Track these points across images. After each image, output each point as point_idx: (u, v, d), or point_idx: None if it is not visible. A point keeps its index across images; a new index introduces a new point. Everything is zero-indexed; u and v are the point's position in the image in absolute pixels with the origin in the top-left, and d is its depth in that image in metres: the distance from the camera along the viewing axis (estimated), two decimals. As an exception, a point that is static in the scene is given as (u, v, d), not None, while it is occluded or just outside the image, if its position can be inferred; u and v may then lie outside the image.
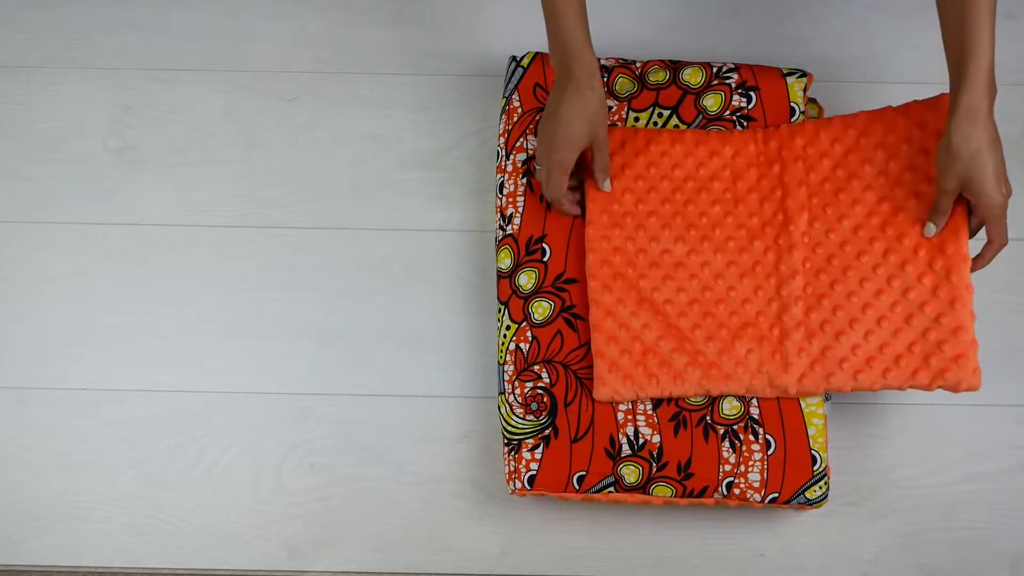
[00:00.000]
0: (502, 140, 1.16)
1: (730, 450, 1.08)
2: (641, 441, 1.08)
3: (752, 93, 1.15)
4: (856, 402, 1.17)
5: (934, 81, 1.24)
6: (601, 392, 1.08)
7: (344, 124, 1.24)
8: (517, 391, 1.10)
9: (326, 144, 1.24)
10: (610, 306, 1.09)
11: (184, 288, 1.21)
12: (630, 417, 1.09)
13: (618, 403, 1.09)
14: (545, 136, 1.05)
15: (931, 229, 1.04)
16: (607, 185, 1.10)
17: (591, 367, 1.10)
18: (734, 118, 1.15)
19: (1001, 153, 0.98)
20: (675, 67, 1.18)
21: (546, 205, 1.13)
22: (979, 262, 1.05)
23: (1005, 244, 1.03)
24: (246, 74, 1.26)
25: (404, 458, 1.17)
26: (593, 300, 1.09)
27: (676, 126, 1.15)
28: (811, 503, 1.08)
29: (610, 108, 1.16)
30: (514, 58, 1.18)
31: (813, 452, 1.08)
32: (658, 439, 1.08)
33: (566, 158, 1.05)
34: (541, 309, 1.11)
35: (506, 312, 1.12)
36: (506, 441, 1.10)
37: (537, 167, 1.08)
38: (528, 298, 1.12)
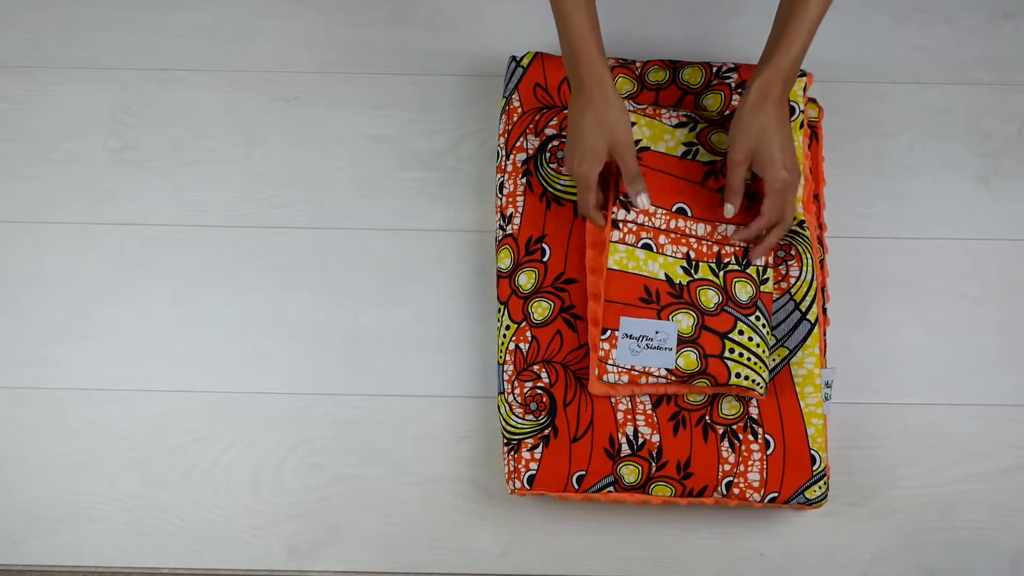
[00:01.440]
0: (502, 140, 1.16)
1: (729, 450, 1.08)
2: (640, 441, 1.08)
3: (752, 93, 1.15)
4: (856, 402, 1.17)
5: (934, 81, 1.24)
6: (597, 387, 1.07)
7: (344, 124, 1.24)
8: (517, 391, 1.10)
9: (326, 144, 1.24)
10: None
11: (184, 288, 1.21)
12: (629, 417, 1.09)
13: (614, 397, 1.08)
14: (568, 150, 1.04)
15: (729, 210, 1.05)
16: (642, 200, 1.06)
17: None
18: (734, 118, 1.15)
19: (790, 137, 1.02)
20: (675, 67, 1.18)
21: (546, 204, 1.13)
22: (756, 249, 1.07)
23: (780, 224, 1.05)
24: (246, 74, 1.26)
25: (404, 458, 1.17)
26: (592, 295, 1.09)
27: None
28: (811, 503, 1.08)
29: None
30: (514, 58, 1.18)
31: (813, 452, 1.08)
32: (657, 439, 1.08)
33: (587, 172, 1.03)
34: (541, 309, 1.11)
35: (506, 312, 1.12)
36: (506, 441, 1.10)
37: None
38: (528, 298, 1.12)
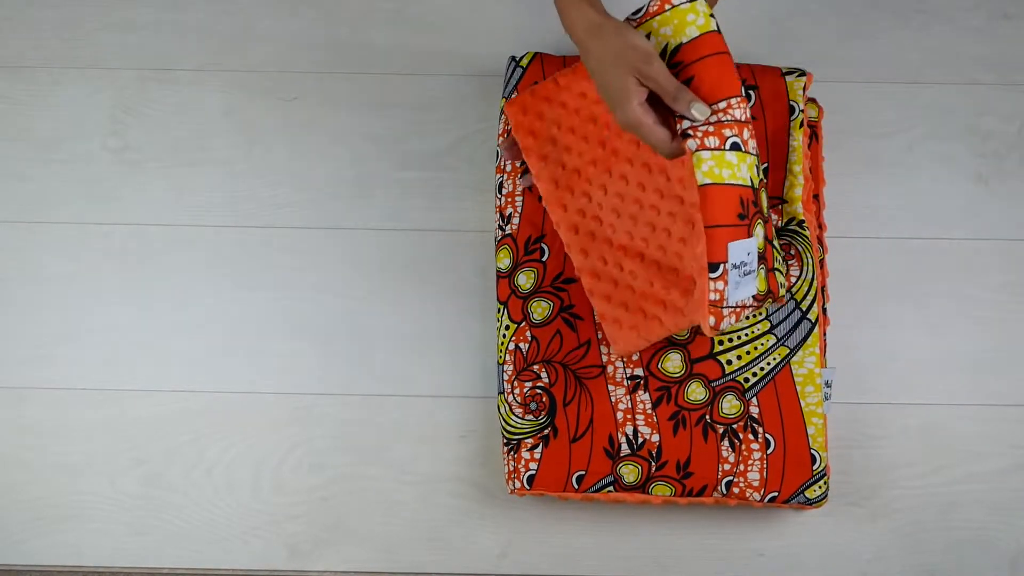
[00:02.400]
0: (502, 140, 1.16)
1: (729, 449, 1.08)
2: (640, 440, 1.08)
3: (752, 92, 1.15)
4: (856, 402, 1.16)
5: (934, 81, 1.24)
6: (619, 349, 1.04)
7: (344, 124, 1.24)
8: (516, 391, 1.10)
9: (326, 144, 1.24)
10: (594, 268, 1.06)
11: (184, 288, 1.21)
12: (629, 416, 1.09)
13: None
14: (612, 112, 0.90)
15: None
16: (697, 112, 0.85)
17: (590, 366, 1.10)
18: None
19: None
20: (675, 67, 1.17)
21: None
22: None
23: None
24: (246, 74, 1.26)
25: (404, 458, 1.17)
26: (579, 270, 1.07)
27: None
28: (811, 503, 1.08)
29: None
30: (514, 58, 1.18)
31: (813, 451, 1.08)
32: (657, 438, 1.08)
33: (631, 118, 0.87)
34: (540, 309, 1.11)
35: (505, 312, 1.12)
36: (505, 441, 1.10)
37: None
38: (527, 298, 1.12)
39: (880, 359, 1.17)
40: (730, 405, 1.09)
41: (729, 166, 0.85)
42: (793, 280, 1.10)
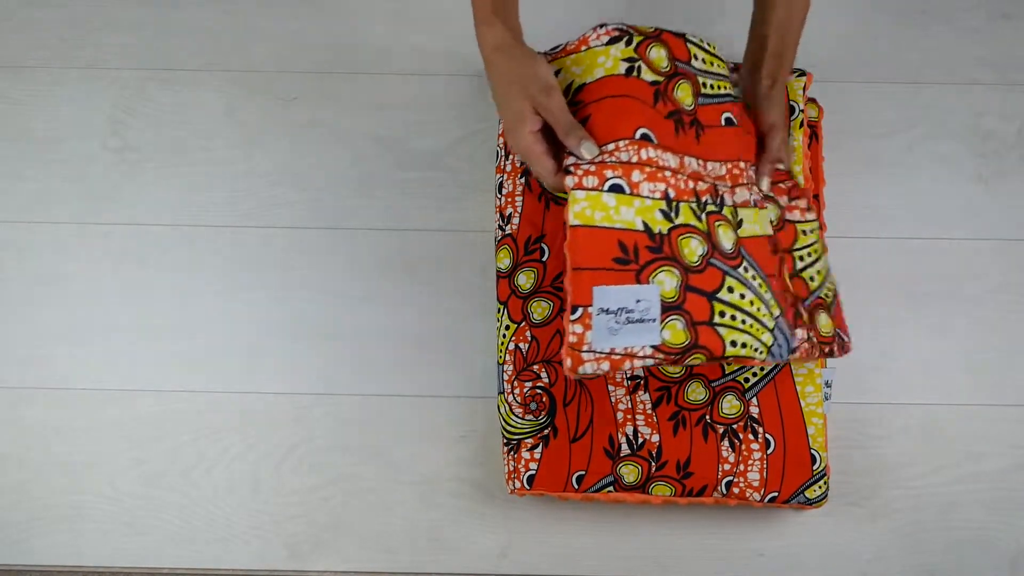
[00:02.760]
0: (502, 140, 1.16)
1: (729, 449, 1.08)
2: (640, 440, 1.08)
3: (752, 93, 1.15)
4: (856, 402, 1.17)
5: (934, 81, 1.24)
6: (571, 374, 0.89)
7: (344, 124, 1.24)
8: (516, 391, 1.10)
9: (326, 144, 1.24)
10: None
11: (184, 288, 1.21)
12: (629, 417, 1.09)
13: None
14: (505, 134, 0.93)
15: (766, 183, 0.98)
16: (588, 149, 0.84)
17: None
18: (734, 118, 1.14)
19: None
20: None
21: (545, 204, 1.13)
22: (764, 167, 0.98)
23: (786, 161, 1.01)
24: (246, 74, 1.26)
25: (404, 458, 1.17)
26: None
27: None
28: (811, 503, 1.08)
29: None
30: (514, 58, 1.18)
31: (813, 451, 1.08)
32: (657, 438, 1.08)
33: (522, 142, 0.87)
34: (540, 309, 1.11)
35: (505, 312, 1.12)
36: (505, 441, 1.10)
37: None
38: (527, 298, 1.12)
39: (880, 359, 1.17)
40: (730, 405, 1.09)
41: (604, 208, 0.81)
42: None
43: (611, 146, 0.84)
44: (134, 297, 1.21)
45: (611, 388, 1.09)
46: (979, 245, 1.20)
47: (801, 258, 0.99)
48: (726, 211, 0.86)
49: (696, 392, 1.09)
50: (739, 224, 0.88)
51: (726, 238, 0.86)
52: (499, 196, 1.15)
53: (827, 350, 0.99)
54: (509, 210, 1.14)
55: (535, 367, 1.10)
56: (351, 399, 1.18)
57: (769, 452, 1.08)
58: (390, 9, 1.27)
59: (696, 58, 0.92)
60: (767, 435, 1.08)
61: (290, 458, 1.17)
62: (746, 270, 0.86)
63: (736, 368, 1.09)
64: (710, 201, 0.86)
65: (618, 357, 0.83)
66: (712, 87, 0.91)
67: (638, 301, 0.81)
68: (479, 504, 1.16)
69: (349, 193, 1.23)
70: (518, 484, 1.09)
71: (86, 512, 1.16)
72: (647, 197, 0.83)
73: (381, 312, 1.20)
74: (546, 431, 1.09)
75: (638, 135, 0.83)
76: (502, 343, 1.12)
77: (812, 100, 1.19)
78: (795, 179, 1.00)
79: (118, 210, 1.23)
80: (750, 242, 0.88)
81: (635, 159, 0.83)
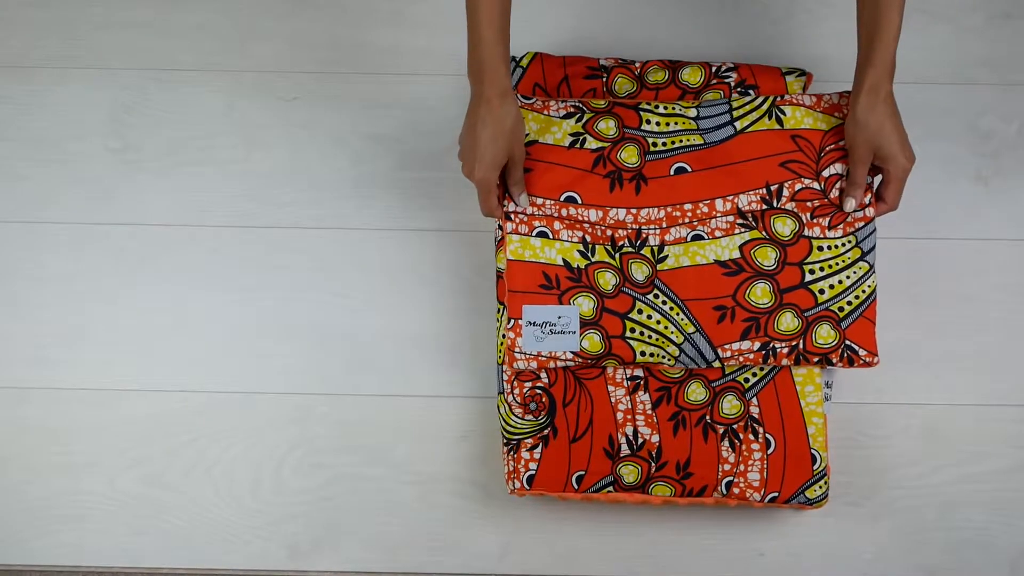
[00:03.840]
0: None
1: (729, 449, 1.08)
2: (640, 441, 1.08)
3: (751, 91, 1.15)
4: (856, 402, 1.17)
5: (934, 81, 1.24)
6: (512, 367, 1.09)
7: (344, 124, 1.24)
8: (516, 391, 1.10)
9: (326, 144, 1.24)
10: None
11: (184, 288, 1.21)
12: (629, 417, 1.09)
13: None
14: (464, 154, 1.05)
15: (851, 203, 1.08)
16: (523, 200, 1.08)
17: (589, 367, 1.10)
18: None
19: (902, 124, 1.05)
20: (674, 67, 1.18)
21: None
22: (867, 217, 1.09)
23: (896, 209, 1.09)
24: (246, 74, 1.26)
25: (404, 458, 1.17)
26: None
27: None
28: (811, 503, 1.08)
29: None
30: (514, 58, 1.18)
31: (813, 451, 1.08)
32: (657, 439, 1.08)
33: (487, 179, 1.04)
34: (540, 309, 1.12)
35: (505, 312, 1.12)
36: (505, 441, 1.10)
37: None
38: (527, 298, 1.12)
39: (880, 359, 1.17)
40: (730, 405, 1.09)
41: (532, 248, 1.08)
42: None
43: (539, 200, 1.09)
44: (134, 297, 1.21)
45: (611, 388, 1.09)
46: (979, 245, 1.19)
47: (811, 271, 1.07)
48: (645, 251, 1.08)
49: (696, 392, 1.09)
50: (662, 260, 1.08)
51: (639, 272, 1.08)
52: (499, 196, 1.16)
53: (814, 360, 1.07)
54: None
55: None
56: (351, 399, 1.18)
57: (769, 452, 1.08)
58: (390, 9, 1.27)
59: (648, 122, 1.10)
60: (767, 435, 1.08)
61: (290, 458, 1.17)
62: (656, 296, 1.08)
63: (736, 368, 1.09)
64: (627, 244, 1.08)
65: (544, 358, 1.07)
66: (664, 144, 1.09)
67: (560, 317, 1.07)
68: (479, 504, 1.16)
69: (349, 193, 1.23)
70: (518, 484, 1.09)
71: (86, 512, 1.16)
72: (566, 241, 1.08)
73: (381, 312, 1.20)
74: (546, 431, 1.09)
75: (562, 198, 1.09)
76: (502, 343, 1.12)
77: (812, 100, 1.19)
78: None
79: (118, 210, 1.23)
80: (678, 272, 1.08)
81: (556, 214, 1.09)
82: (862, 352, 1.06)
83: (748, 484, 1.08)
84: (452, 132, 1.24)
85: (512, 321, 1.07)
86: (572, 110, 1.11)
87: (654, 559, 1.14)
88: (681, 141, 1.09)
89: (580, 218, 1.08)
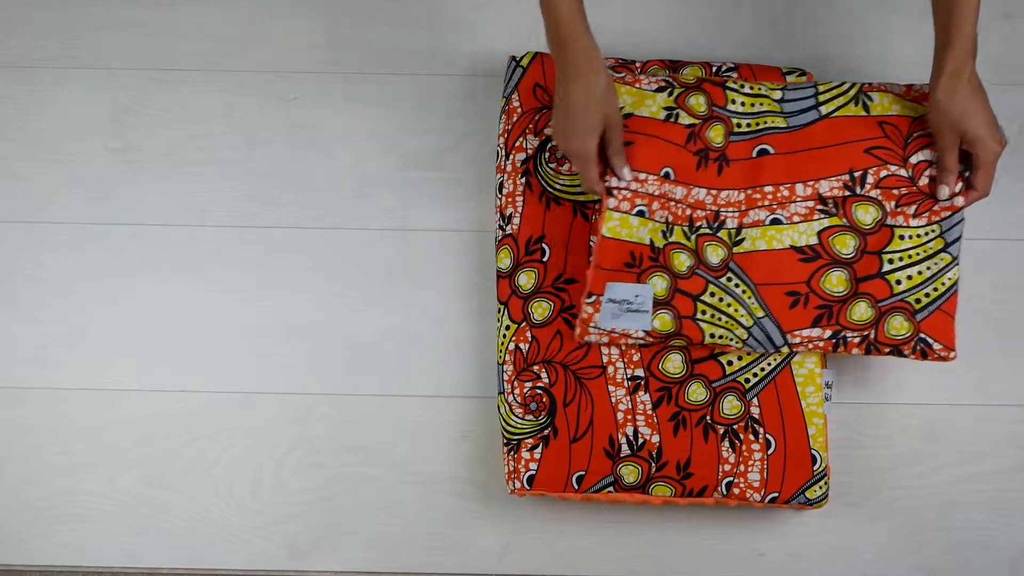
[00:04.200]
0: (502, 140, 1.16)
1: (730, 450, 1.08)
2: (640, 441, 1.08)
3: (752, 93, 1.15)
4: (856, 402, 1.17)
5: (934, 81, 1.24)
6: (578, 338, 1.09)
7: (344, 124, 1.24)
8: (516, 391, 1.10)
9: (326, 144, 1.24)
10: None
11: (184, 288, 1.21)
12: (629, 417, 1.09)
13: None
14: (559, 130, 1.04)
15: (944, 191, 1.06)
16: (626, 172, 1.05)
17: (590, 367, 1.10)
18: (734, 118, 1.15)
19: (988, 104, 1.02)
20: (674, 66, 1.18)
21: (545, 204, 1.13)
22: (955, 207, 1.07)
23: (987, 195, 1.06)
24: (246, 74, 1.26)
25: (404, 458, 1.17)
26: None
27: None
28: (811, 503, 1.08)
29: None
30: (514, 58, 1.18)
31: (813, 452, 1.08)
32: (657, 439, 1.08)
33: (586, 147, 1.02)
34: (540, 309, 1.11)
35: (506, 312, 1.12)
36: (505, 441, 1.10)
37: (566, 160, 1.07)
38: (528, 298, 1.12)
39: (880, 359, 1.17)
40: (731, 406, 1.09)
41: (629, 227, 1.06)
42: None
43: (642, 176, 1.06)
44: (134, 297, 1.21)
45: (611, 388, 1.09)
46: (979, 245, 1.19)
47: (891, 261, 1.06)
48: (722, 233, 1.07)
49: (697, 393, 1.09)
50: (738, 242, 1.07)
51: (714, 255, 1.07)
52: (499, 196, 1.15)
53: (885, 351, 1.07)
54: (509, 210, 1.14)
55: (535, 367, 1.10)
56: (351, 399, 1.18)
57: (770, 452, 1.08)
58: (390, 9, 1.27)
59: (733, 102, 1.09)
60: (768, 435, 1.08)
61: (290, 458, 1.17)
62: (729, 280, 1.06)
63: (737, 368, 1.09)
64: (704, 226, 1.07)
65: (616, 335, 1.07)
66: (748, 125, 1.08)
67: (636, 296, 1.07)
68: (479, 504, 1.16)
69: (349, 193, 1.23)
70: (518, 484, 1.09)
71: (86, 512, 1.16)
72: (657, 221, 1.07)
73: (381, 312, 1.20)
74: (546, 431, 1.09)
75: (662, 173, 1.06)
76: (502, 343, 1.12)
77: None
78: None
79: (118, 210, 1.23)
80: (753, 256, 1.07)
81: (656, 192, 1.06)
82: (936, 346, 1.05)
83: (748, 484, 1.08)
84: (452, 132, 1.24)
85: (593, 296, 1.06)
86: (663, 84, 1.10)
87: (654, 559, 1.14)
88: (765, 123, 1.08)
89: (669, 195, 1.07)
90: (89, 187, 1.23)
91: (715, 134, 1.08)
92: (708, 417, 1.09)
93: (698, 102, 1.09)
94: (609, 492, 1.09)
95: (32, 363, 1.19)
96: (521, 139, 1.15)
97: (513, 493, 1.10)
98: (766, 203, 1.07)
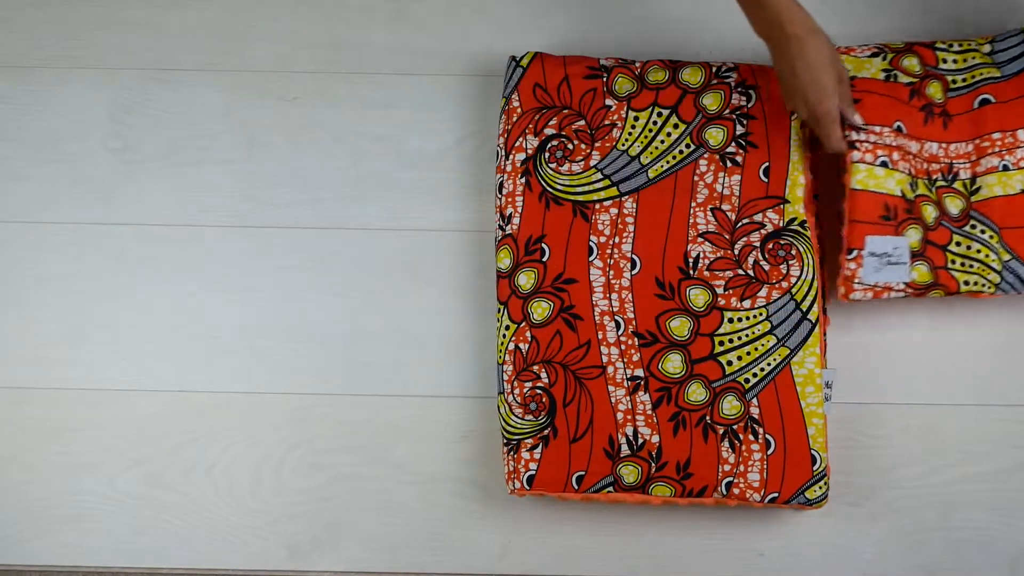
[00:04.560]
0: (502, 140, 1.16)
1: (729, 450, 1.08)
2: (640, 441, 1.08)
3: (752, 91, 1.15)
4: (856, 402, 1.16)
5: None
6: (843, 298, 1.11)
7: (344, 124, 1.24)
8: (516, 391, 1.10)
9: (326, 144, 1.24)
10: None
11: (184, 288, 1.21)
12: (629, 417, 1.09)
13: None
14: (795, 98, 1.06)
15: (858, 119, 1.09)
16: (857, 119, 1.08)
17: (590, 367, 1.10)
18: (734, 116, 1.15)
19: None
20: (674, 67, 1.18)
21: (545, 204, 1.13)
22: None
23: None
24: (246, 74, 1.26)
25: (404, 458, 1.17)
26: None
27: (676, 125, 1.15)
28: (811, 503, 1.08)
29: (609, 108, 1.15)
30: (514, 58, 1.18)
31: (813, 452, 1.08)
32: (657, 439, 1.08)
33: (828, 109, 1.05)
34: (540, 309, 1.11)
35: (505, 312, 1.12)
36: (505, 441, 1.10)
37: (811, 126, 1.09)
38: (527, 298, 1.12)
39: (880, 359, 1.17)
40: (730, 406, 1.09)
41: (876, 178, 1.09)
42: (793, 280, 1.10)
43: (877, 128, 1.10)
44: (134, 297, 1.21)
45: (611, 389, 1.09)
46: (979, 245, 1.19)
47: None
48: (957, 184, 1.12)
49: (696, 393, 1.09)
50: (975, 192, 1.12)
51: (953, 206, 1.11)
52: (499, 196, 1.15)
53: None
54: (509, 210, 1.14)
55: (535, 367, 1.10)
56: (351, 399, 1.18)
57: (769, 453, 1.08)
58: (390, 9, 1.27)
59: (945, 61, 1.14)
60: (767, 436, 1.08)
61: (290, 458, 1.17)
62: (973, 227, 1.11)
63: (737, 369, 1.09)
64: (941, 178, 1.12)
65: (879, 289, 1.10)
66: (964, 79, 1.13)
67: (895, 248, 1.09)
68: (479, 504, 1.16)
69: (349, 193, 1.23)
70: (518, 484, 1.09)
71: (86, 512, 1.16)
72: (901, 172, 1.10)
73: (381, 312, 1.20)
74: (546, 431, 1.09)
75: (895, 126, 1.10)
76: (502, 343, 1.12)
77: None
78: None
79: (118, 210, 1.23)
80: (991, 202, 1.11)
81: (893, 143, 1.10)
82: None
83: (748, 484, 1.08)
84: (452, 132, 1.24)
85: (854, 252, 1.08)
86: (876, 50, 1.14)
87: (654, 559, 1.14)
88: (981, 75, 1.13)
89: (906, 148, 1.11)
90: (89, 187, 1.23)
91: (934, 91, 1.12)
92: (708, 417, 1.09)
93: (912, 63, 1.13)
94: (609, 492, 1.09)
95: (32, 363, 1.19)
96: (521, 139, 1.15)
97: (513, 493, 1.10)
98: (995, 150, 1.11)
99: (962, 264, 1.10)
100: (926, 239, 1.09)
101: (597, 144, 1.15)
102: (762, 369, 1.09)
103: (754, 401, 1.09)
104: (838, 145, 1.08)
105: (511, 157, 1.15)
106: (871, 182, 1.09)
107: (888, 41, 1.17)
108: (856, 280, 1.08)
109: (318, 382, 1.19)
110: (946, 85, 1.12)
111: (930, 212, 1.10)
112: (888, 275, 1.08)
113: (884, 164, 1.09)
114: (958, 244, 1.10)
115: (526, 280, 1.12)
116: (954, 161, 1.11)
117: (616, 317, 1.11)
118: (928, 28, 1.23)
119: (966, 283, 1.09)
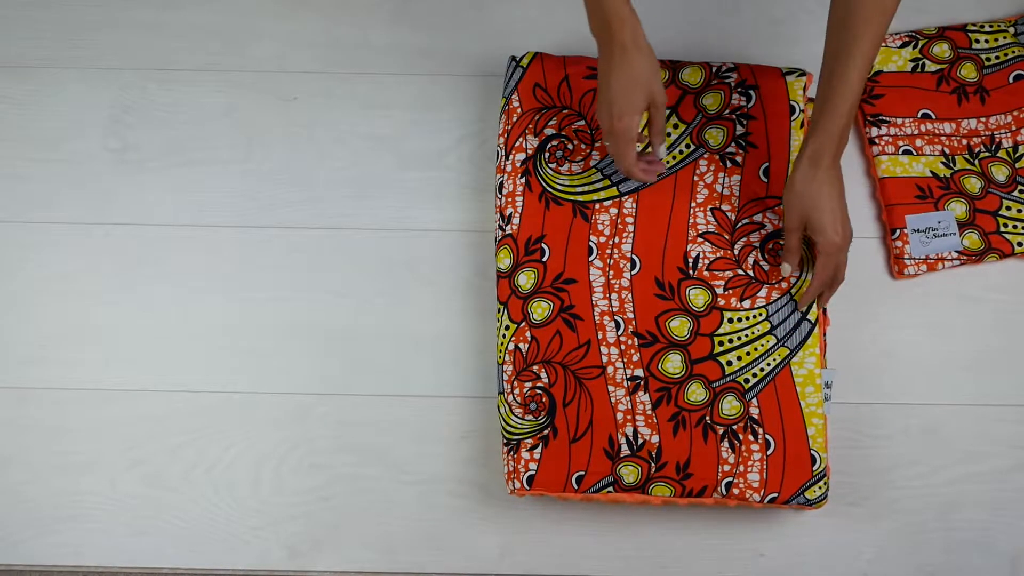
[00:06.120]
0: (502, 140, 1.16)
1: (729, 450, 1.08)
2: (640, 441, 1.08)
3: (752, 92, 1.15)
4: (856, 402, 1.16)
5: (934, 81, 1.24)
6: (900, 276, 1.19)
7: (344, 124, 1.24)
8: (516, 391, 1.10)
9: (326, 144, 1.24)
10: None
11: (184, 288, 1.21)
12: (629, 417, 1.09)
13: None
14: (602, 108, 1.03)
15: (786, 268, 1.09)
16: (662, 151, 1.07)
17: (590, 367, 1.10)
18: (734, 116, 1.15)
19: (841, 200, 1.04)
20: (674, 67, 1.18)
21: (545, 204, 1.14)
22: (804, 298, 1.10)
23: (830, 284, 1.09)
24: (246, 74, 1.26)
25: (404, 458, 1.17)
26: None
27: (676, 126, 1.15)
28: (811, 503, 1.08)
29: None
30: (514, 58, 1.18)
31: (813, 452, 1.08)
32: (657, 439, 1.08)
33: (628, 126, 1.02)
34: (540, 309, 1.11)
35: (505, 312, 1.12)
36: (505, 441, 1.10)
37: (606, 143, 1.05)
38: (527, 298, 1.12)
39: (880, 359, 1.17)
40: (730, 406, 1.09)
41: (901, 164, 1.19)
42: (793, 281, 1.11)
43: (899, 120, 1.20)
44: (134, 297, 1.21)
45: (611, 389, 1.09)
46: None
47: None
48: (1001, 153, 1.20)
49: (696, 393, 1.09)
50: (1019, 159, 1.20)
51: (1000, 173, 1.19)
52: (499, 196, 1.15)
53: None
54: (509, 210, 1.14)
55: (535, 367, 1.10)
56: (351, 399, 1.18)
57: (769, 453, 1.08)
58: (390, 9, 1.27)
59: (977, 42, 1.23)
60: (767, 436, 1.08)
61: (290, 458, 1.17)
62: (1022, 192, 1.19)
63: (736, 369, 1.09)
64: (983, 150, 1.20)
65: (932, 260, 1.17)
66: (997, 57, 1.23)
67: (939, 222, 1.18)
68: (479, 504, 1.16)
69: (349, 193, 1.23)
70: (518, 484, 1.09)
71: (86, 512, 1.16)
72: (929, 155, 1.19)
73: (381, 312, 1.20)
74: (546, 431, 1.09)
75: (919, 115, 1.20)
76: (502, 343, 1.12)
77: (812, 100, 1.19)
78: None
79: (118, 210, 1.23)
80: None
81: (916, 132, 1.20)
82: None
83: (748, 485, 1.08)
84: (452, 132, 1.24)
85: (897, 231, 1.17)
86: (907, 39, 1.23)
87: (654, 559, 1.14)
88: (1013, 52, 1.22)
89: (937, 132, 1.19)
90: (89, 187, 1.23)
91: (967, 71, 1.22)
92: (708, 417, 1.09)
93: (942, 49, 1.23)
94: (609, 492, 1.09)
95: (32, 363, 1.19)
96: (521, 139, 1.15)
97: (513, 493, 1.10)
98: None
99: (1014, 227, 1.17)
100: (974, 208, 1.17)
101: (597, 144, 1.15)
102: (762, 369, 1.09)
103: (754, 401, 1.09)
104: (628, 168, 1.05)
105: (511, 157, 1.15)
106: (897, 169, 1.18)
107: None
108: (906, 256, 1.16)
109: (318, 382, 1.19)
110: (980, 64, 1.22)
111: (974, 183, 1.18)
112: (937, 246, 1.16)
113: (907, 152, 1.19)
114: (1008, 208, 1.17)
115: (526, 280, 1.12)
116: (995, 132, 1.19)
117: (616, 317, 1.11)
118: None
119: (1020, 244, 1.17)
